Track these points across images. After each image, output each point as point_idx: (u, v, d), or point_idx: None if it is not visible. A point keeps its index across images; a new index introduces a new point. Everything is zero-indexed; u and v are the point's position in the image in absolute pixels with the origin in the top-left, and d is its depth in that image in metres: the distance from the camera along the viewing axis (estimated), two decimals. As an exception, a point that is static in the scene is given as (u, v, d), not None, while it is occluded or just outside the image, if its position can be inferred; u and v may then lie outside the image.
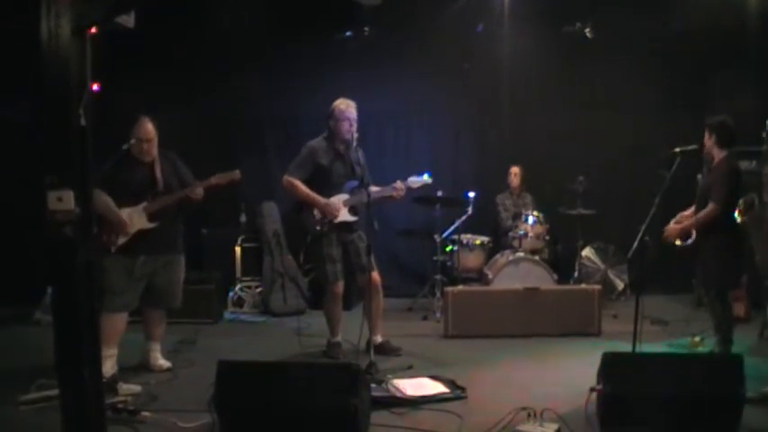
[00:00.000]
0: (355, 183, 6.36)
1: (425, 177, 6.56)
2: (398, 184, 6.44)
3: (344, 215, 6.38)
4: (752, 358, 5.08)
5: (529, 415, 4.50)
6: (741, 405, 4.25)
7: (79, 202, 3.62)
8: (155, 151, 5.91)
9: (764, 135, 6.50)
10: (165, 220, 5.87)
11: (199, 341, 7.06)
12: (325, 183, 6.37)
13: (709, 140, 6.13)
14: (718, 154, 6.11)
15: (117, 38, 4.32)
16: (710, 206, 5.88)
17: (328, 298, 6.50)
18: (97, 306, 3.94)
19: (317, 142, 6.46)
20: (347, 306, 6.75)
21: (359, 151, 6.40)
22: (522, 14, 9.09)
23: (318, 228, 6.33)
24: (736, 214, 6.13)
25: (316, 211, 6.34)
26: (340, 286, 6.45)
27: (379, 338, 6.49)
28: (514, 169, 9.34)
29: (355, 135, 6.30)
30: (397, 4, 8.78)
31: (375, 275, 6.42)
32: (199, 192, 5.94)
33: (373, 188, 6.43)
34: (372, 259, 6.27)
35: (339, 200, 6.36)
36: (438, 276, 8.42)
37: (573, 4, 9.04)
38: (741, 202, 6.16)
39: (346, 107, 6.36)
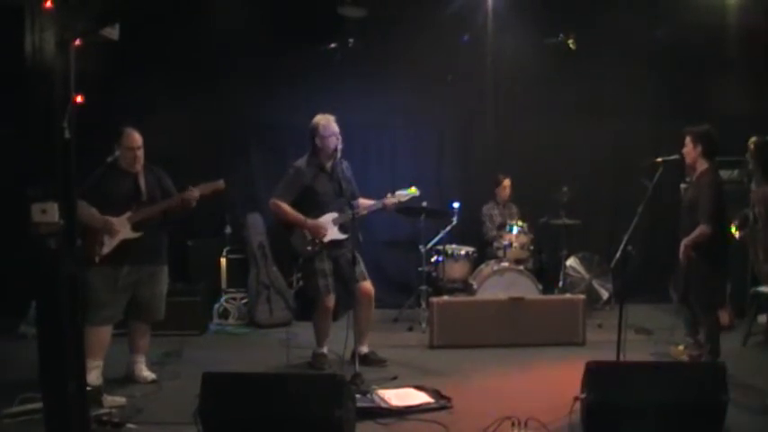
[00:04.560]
0: (344, 202, 6.34)
1: (412, 189, 6.61)
2: (388, 199, 6.47)
3: (334, 233, 6.38)
4: (736, 365, 5.11)
5: (513, 424, 4.52)
6: (724, 412, 4.28)
7: (63, 215, 3.62)
8: (142, 160, 5.93)
9: (747, 154, 6.51)
10: (149, 230, 5.86)
11: (184, 353, 7.03)
12: (313, 203, 6.37)
13: (693, 150, 6.12)
14: (701, 165, 6.13)
15: (104, 49, 4.32)
16: (702, 227, 5.88)
17: (319, 311, 6.48)
18: (81, 319, 3.94)
19: (303, 162, 6.45)
20: (333, 317, 6.75)
21: (344, 164, 6.40)
22: (507, 25, 9.14)
23: (309, 249, 6.34)
24: (734, 230, 6.20)
25: (305, 233, 6.35)
26: (331, 300, 6.43)
27: (365, 349, 6.49)
28: (506, 181, 9.33)
29: (340, 147, 6.31)
30: (382, 16, 8.83)
31: (368, 285, 6.47)
32: (189, 197, 5.88)
33: (362, 201, 6.44)
34: (364, 269, 6.32)
35: (327, 219, 6.36)
36: (423, 287, 8.43)
37: (558, 14, 9.09)
38: (737, 219, 6.23)
39: (328, 122, 6.35)
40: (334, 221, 6.38)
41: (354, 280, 6.35)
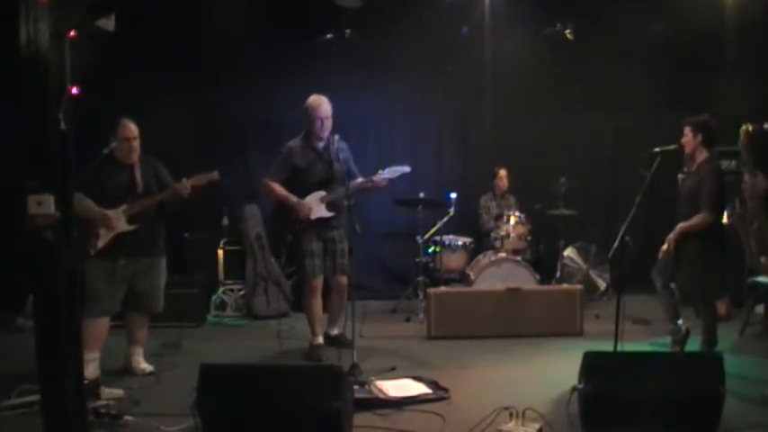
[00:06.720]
0: (335, 182, 6.40)
1: (404, 167, 6.60)
2: (377, 176, 6.47)
3: (321, 211, 6.41)
4: (733, 356, 5.12)
5: (511, 414, 4.52)
6: (721, 402, 4.28)
7: (60, 207, 3.60)
8: (139, 151, 5.91)
9: (739, 142, 6.50)
10: (145, 222, 5.85)
11: (182, 345, 7.04)
12: (303, 184, 6.41)
13: (693, 140, 6.11)
14: (701, 154, 6.13)
15: (100, 40, 4.30)
16: (703, 214, 5.89)
17: (307, 293, 6.53)
18: (79, 311, 3.93)
19: (295, 143, 6.50)
20: (327, 307, 6.76)
21: (339, 145, 6.40)
22: (505, 16, 9.13)
23: (298, 225, 6.36)
24: (724, 218, 6.21)
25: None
26: (319, 281, 6.48)
27: (335, 331, 6.71)
28: (503, 172, 9.35)
29: (335, 137, 6.34)
30: (379, 6, 8.81)
31: (342, 280, 6.59)
32: (181, 188, 5.85)
33: (358, 180, 6.47)
34: (345, 263, 6.46)
35: (315, 197, 6.40)
36: (421, 278, 8.43)
37: (556, 6, 9.08)
38: (727, 209, 6.24)
39: (318, 104, 6.39)
40: (322, 199, 6.40)
41: (335, 270, 6.51)
